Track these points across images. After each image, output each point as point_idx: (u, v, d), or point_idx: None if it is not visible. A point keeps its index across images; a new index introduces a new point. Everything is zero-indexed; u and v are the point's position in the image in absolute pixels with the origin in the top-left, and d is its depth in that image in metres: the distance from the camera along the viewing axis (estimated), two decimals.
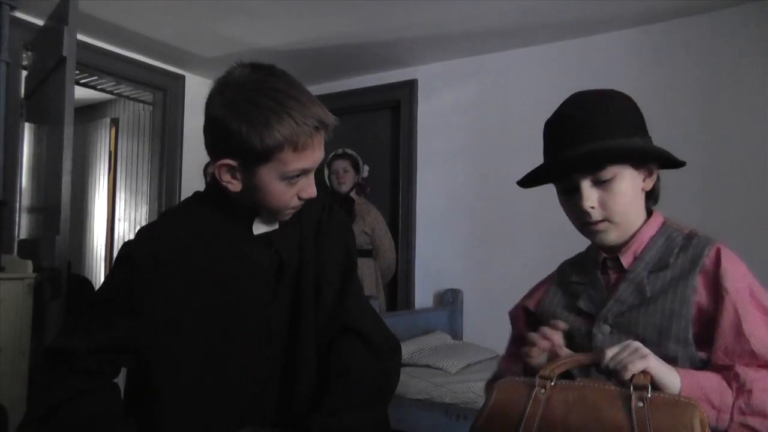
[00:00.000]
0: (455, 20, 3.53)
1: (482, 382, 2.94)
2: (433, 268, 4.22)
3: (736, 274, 1.20)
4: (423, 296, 4.25)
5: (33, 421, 1.31)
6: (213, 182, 1.36)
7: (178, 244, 1.33)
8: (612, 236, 1.31)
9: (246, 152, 1.23)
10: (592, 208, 1.29)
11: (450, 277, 4.12)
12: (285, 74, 1.32)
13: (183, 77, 4.58)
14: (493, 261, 3.97)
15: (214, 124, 1.25)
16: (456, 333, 3.94)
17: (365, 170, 4.24)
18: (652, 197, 1.39)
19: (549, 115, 3.92)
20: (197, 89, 4.68)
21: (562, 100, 3.80)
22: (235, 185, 1.29)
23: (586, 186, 1.30)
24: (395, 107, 4.55)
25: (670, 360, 1.13)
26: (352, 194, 4.10)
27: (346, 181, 4.05)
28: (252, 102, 1.22)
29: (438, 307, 4.08)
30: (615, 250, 1.34)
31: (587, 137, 1.29)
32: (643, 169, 1.31)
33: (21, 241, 3.46)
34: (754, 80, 3.24)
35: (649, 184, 1.34)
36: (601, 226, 1.30)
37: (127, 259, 1.32)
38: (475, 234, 4.07)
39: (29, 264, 2.76)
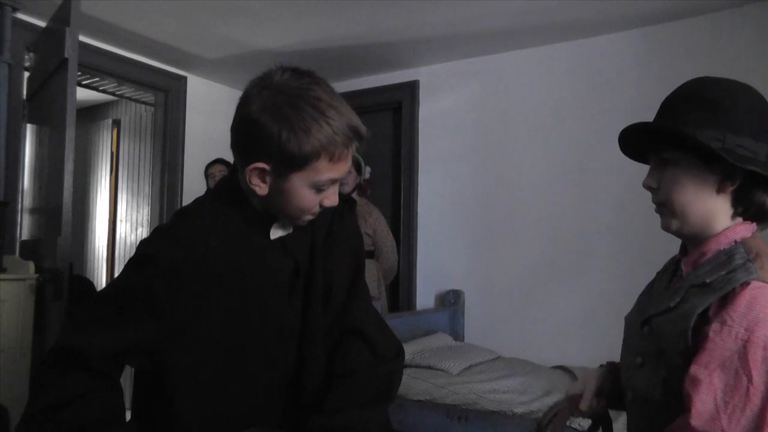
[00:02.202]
0: (457, 21, 3.53)
1: (484, 383, 2.95)
2: (434, 269, 4.22)
3: (743, 315, 1.06)
4: (424, 297, 4.25)
5: (36, 418, 1.30)
6: (231, 184, 1.37)
7: (197, 247, 1.31)
8: (674, 225, 1.25)
9: (282, 157, 1.22)
10: (651, 188, 1.27)
11: (451, 278, 4.12)
12: (326, 83, 1.31)
13: (185, 78, 4.58)
14: (495, 262, 3.97)
15: (250, 125, 1.24)
16: (457, 334, 3.94)
17: (367, 171, 4.24)
18: (750, 210, 1.20)
19: (550, 115, 4.02)
20: (199, 90, 4.68)
21: (563, 101, 3.91)
22: (262, 189, 1.28)
23: (652, 164, 1.29)
24: (397, 108, 4.55)
25: (676, 372, 1.11)
26: (354, 195, 4.10)
27: (348, 182, 4.04)
28: (295, 108, 1.21)
29: (439, 308, 4.07)
30: (689, 249, 1.29)
31: (669, 114, 1.24)
32: (717, 170, 1.17)
33: (23, 242, 3.46)
34: (754, 82, 3.23)
35: (727, 188, 1.17)
36: (663, 210, 1.26)
37: (147, 260, 1.29)
38: (477, 235, 4.07)
39: (31, 265, 2.76)
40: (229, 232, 1.36)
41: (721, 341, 1.05)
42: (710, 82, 1.27)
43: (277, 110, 1.21)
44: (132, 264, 1.32)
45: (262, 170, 1.25)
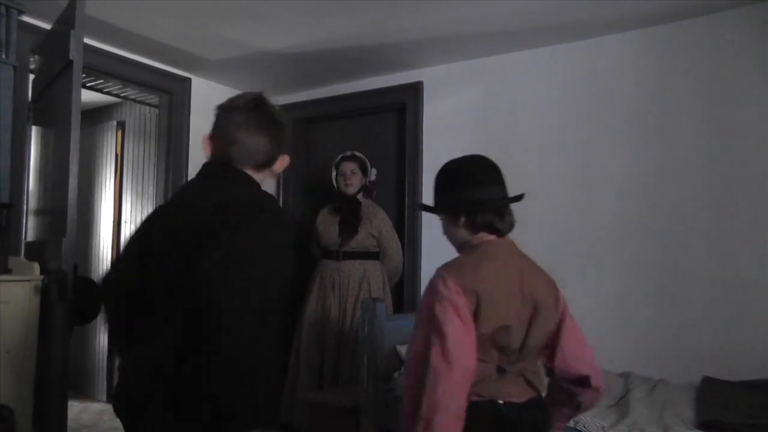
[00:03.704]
0: (461, 22, 3.53)
1: None
2: None
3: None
4: None
5: None
6: None
7: None
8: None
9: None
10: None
11: None
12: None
13: (189, 80, 4.59)
14: None
15: None
16: None
17: (373, 173, 4.23)
18: (479, 229, 1.94)
19: (554, 116, 4.08)
20: (203, 91, 4.69)
21: (567, 102, 4.00)
22: None
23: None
24: (401, 109, 4.55)
25: None
26: (360, 197, 4.10)
27: (353, 183, 4.06)
28: None
29: None
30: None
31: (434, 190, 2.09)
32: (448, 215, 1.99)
33: (28, 243, 3.47)
34: (754, 82, 3.23)
35: (459, 222, 1.95)
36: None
37: None
38: None
39: (36, 266, 2.77)
40: None
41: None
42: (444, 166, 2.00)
43: None
44: None
45: None
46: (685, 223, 3.35)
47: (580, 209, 3.69)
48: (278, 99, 5.20)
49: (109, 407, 4.20)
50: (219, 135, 1.81)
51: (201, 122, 4.66)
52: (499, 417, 1.64)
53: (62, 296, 2.70)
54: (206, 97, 4.72)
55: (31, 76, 3.60)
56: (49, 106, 3.27)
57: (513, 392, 1.68)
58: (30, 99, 3.55)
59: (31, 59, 3.59)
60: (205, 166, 1.86)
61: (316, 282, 4.11)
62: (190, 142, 4.58)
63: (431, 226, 4.25)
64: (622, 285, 3.51)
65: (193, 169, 4.63)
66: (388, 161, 4.59)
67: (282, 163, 1.83)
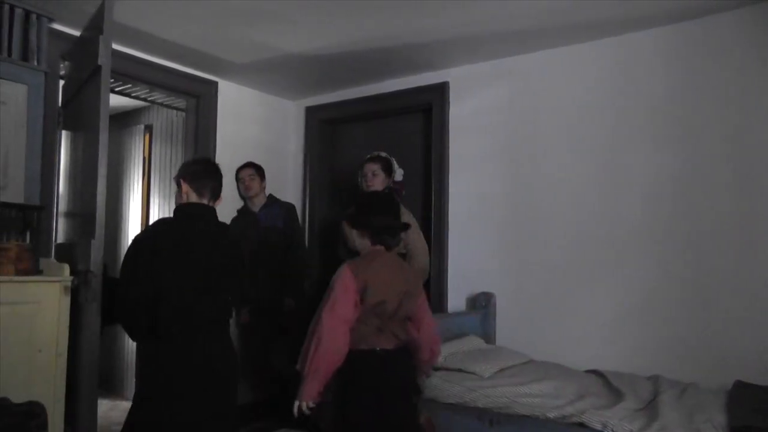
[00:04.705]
0: (486, 22, 3.52)
1: (515, 387, 2.92)
2: (465, 272, 4.20)
3: None
4: (456, 300, 4.23)
5: None
6: None
7: None
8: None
9: None
10: None
11: (483, 281, 4.09)
12: None
13: (215, 83, 4.63)
14: (526, 264, 3.94)
15: None
16: (489, 337, 3.91)
17: (399, 174, 4.21)
18: (376, 240, 2.69)
19: (580, 115, 4.08)
20: (230, 95, 4.73)
21: (592, 100, 4.05)
22: None
23: None
24: (427, 110, 4.54)
25: None
26: None
27: (374, 184, 4.04)
28: None
29: (471, 311, 4.05)
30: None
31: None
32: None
33: (58, 245, 3.52)
34: None
35: (364, 234, 2.72)
36: None
37: None
38: (508, 237, 4.04)
39: (66, 267, 2.81)
40: None
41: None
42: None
43: None
44: None
45: None
46: (713, 223, 3.30)
47: (605, 210, 3.65)
48: (304, 101, 5.23)
49: None
50: None
51: (228, 125, 4.71)
52: (377, 357, 2.52)
53: (92, 296, 2.74)
54: (233, 100, 4.77)
55: (61, 82, 3.66)
56: (78, 111, 3.32)
57: (386, 343, 2.55)
58: (60, 104, 3.61)
59: (61, 65, 3.66)
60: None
61: None
62: (217, 145, 4.62)
63: (457, 227, 4.25)
64: (649, 287, 3.47)
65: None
66: (415, 162, 4.59)
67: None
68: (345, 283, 2.50)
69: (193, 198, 2.67)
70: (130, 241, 2.63)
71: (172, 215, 2.71)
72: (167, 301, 2.44)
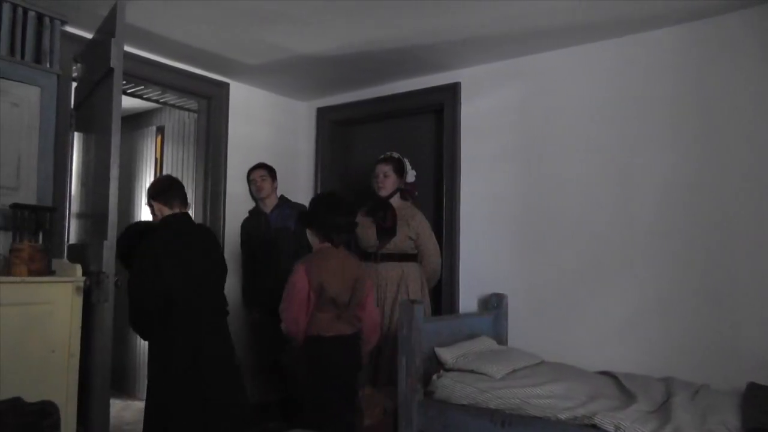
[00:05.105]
0: (498, 22, 3.50)
1: (528, 388, 2.91)
2: (477, 273, 4.18)
3: None
4: (467, 301, 4.22)
5: None
6: None
7: None
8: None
9: None
10: None
11: (494, 282, 4.08)
12: None
13: (227, 85, 4.64)
14: (538, 265, 3.92)
15: None
16: (501, 338, 3.89)
17: (412, 175, 4.20)
18: (325, 239, 3.10)
19: (593, 115, 4.06)
20: (241, 96, 4.74)
21: (606, 100, 4.02)
22: None
23: None
24: (438, 111, 4.53)
25: None
26: (396, 199, 4.08)
27: (385, 185, 4.04)
28: None
29: (482, 312, 4.04)
30: None
31: None
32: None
33: (70, 246, 3.55)
34: None
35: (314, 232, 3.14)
36: None
37: None
38: (520, 238, 4.02)
39: (78, 268, 2.83)
40: None
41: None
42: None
43: None
44: None
45: None
46: (728, 224, 3.27)
47: (618, 211, 3.62)
48: (316, 102, 5.24)
49: None
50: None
51: (239, 126, 4.72)
52: (337, 341, 2.97)
53: (103, 297, 2.75)
54: (244, 102, 4.78)
55: (74, 84, 3.68)
56: (90, 113, 3.34)
57: (344, 329, 3.00)
58: (72, 106, 3.64)
59: (74, 67, 3.68)
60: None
61: None
62: (229, 147, 4.64)
63: (469, 227, 4.24)
64: (663, 287, 3.44)
65: (232, 173, 4.77)
66: (426, 162, 4.58)
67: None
68: (301, 278, 2.91)
69: (167, 212, 3.15)
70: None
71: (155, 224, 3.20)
72: (177, 303, 2.92)
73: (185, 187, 3.30)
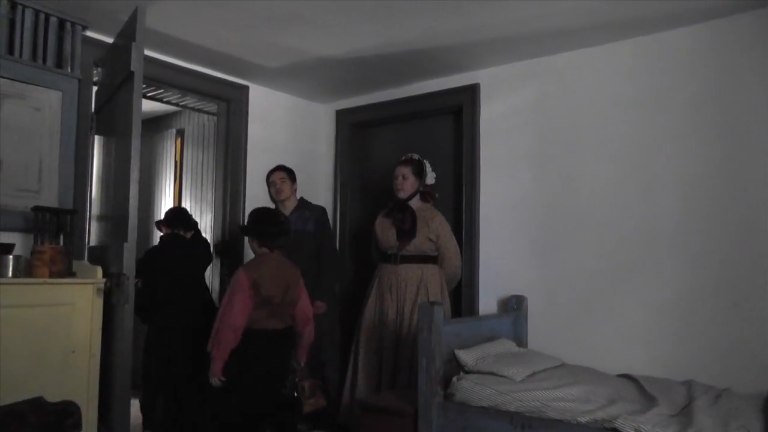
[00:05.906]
0: (516, 22, 3.49)
1: (548, 391, 2.88)
2: (497, 275, 4.16)
3: None
4: (487, 303, 4.19)
5: None
6: None
7: None
8: None
9: None
10: None
11: (514, 284, 4.05)
12: None
13: (246, 87, 4.66)
14: (558, 267, 3.89)
15: None
16: (520, 340, 3.87)
17: (432, 177, 4.18)
18: (264, 245, 3.40)
19: (613, 115, 4.02)
20: (260, 99, 4.76)
21: (625, 100, 3.98)
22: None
23: None
24: (457, 112, 4.52)
25: None
26: (416, 200, 4.06)
27: (404, 187, 4.02)
28: None
29: (502, 314, 4.01)
30: None
31: None
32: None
33: (91, 248, 3.58)
34: None
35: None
36: None
37: None
38: (540, 239, 3.99)
39: (99, 270, 2.86)
40: None
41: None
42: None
43: None
44: None
45: None
46: (750, 225, 3.22)
47: (639, 212, 3.59)
48: (335, 104, 5.24)
49: None
50: None
51: (259, 129, 4.74)
52: (269, 335, 3.24)
53: (124, 299, 2.77)
54: (264, 104, 4.80)
55: (94, 88, 3.72)
56: (111, 116, 3.37)
57: (276, 324, 3.27)
58: (93, 110, 3.68)
59: (94, 72, 3.72)
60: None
61: (374, 285, 4.11)
62: (248, 149, 4.66)
63: (489, 229, 4.22)
64: (684, 289, 3.40)
65: (251, 175, 4.80)
66: (445, 164, 4.56)
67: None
68: (241, 283, 3.18)
69: (168, 230, 4.25)
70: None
71: (193, 224, 4.33)
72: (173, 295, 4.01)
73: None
